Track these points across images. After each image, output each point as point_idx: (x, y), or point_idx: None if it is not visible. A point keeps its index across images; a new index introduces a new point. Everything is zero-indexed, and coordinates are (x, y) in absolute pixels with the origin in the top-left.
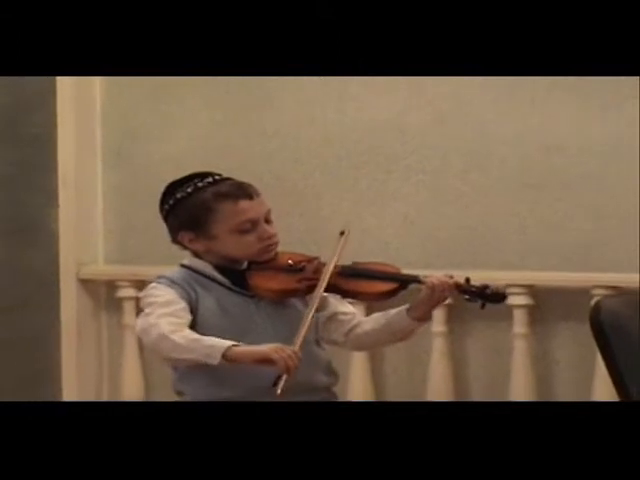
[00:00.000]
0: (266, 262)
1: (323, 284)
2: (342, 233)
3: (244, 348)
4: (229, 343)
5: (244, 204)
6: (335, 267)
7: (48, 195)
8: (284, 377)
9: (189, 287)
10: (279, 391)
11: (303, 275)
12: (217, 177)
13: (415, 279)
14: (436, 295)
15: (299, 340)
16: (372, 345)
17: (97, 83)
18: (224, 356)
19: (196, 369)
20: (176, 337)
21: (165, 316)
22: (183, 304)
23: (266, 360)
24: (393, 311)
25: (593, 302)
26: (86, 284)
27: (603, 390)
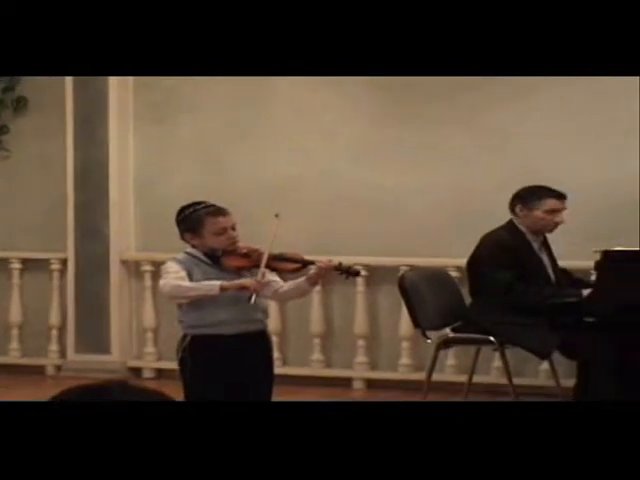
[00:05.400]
0: (231, 251)
1: (263, 265)
2: (277, 215)
3: (230, 282)
4: (218, 283)
5: (221, 219)
6: (269, 255)
7: (104, 213)
8: (254, 295)
9: (188, 264)
10: (252, 301)
11: (251, 259)
12: (206, 203)
13: (312, 262)
14: (323, 271)
15: (260, 274)
16: (288, 299)
17: (131, 148)
18: (221, 288)
19: (191, 307)
20: (185, 283)
21: (175, 278)
22: (184, 273)
23: (244, 287)
24: (299, 280)
25: (400, 274)
26: (124, 263)
27: (405, 323)
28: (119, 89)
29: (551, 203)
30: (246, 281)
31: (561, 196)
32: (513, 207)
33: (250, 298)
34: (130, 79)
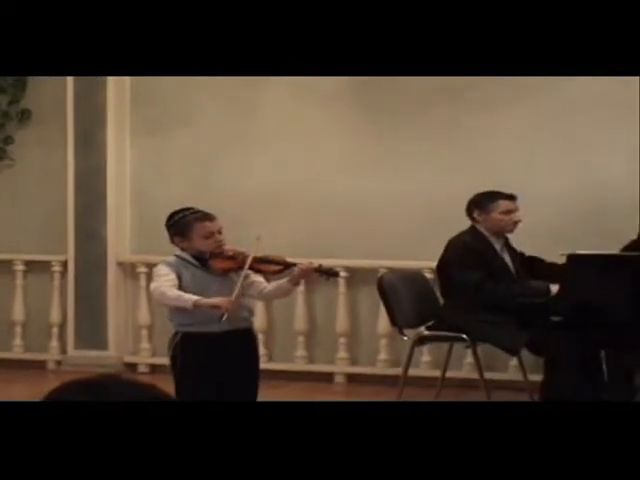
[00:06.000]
0: (218, 254)
1: (247, 267)
2: (258, 238)
3: (204, 300)
4: (196, 297)
5: (208, 223)
6: (254, 257)
7: (102, 219)
8: (225, 314)
9: (177, 266)
10: (224, 319)
11: (236, 261)
12: (194, 209)
13: (294, 264)
14: (304, 272)
15: (234, 295)
16: (272, 298)
17: (127, 158)
18: (194, 304)
19: (179, 308)
20: (170, 293)
21: (165, 281)
22: (173, 275)
23: (215, 306)
24: (281, 280)
25: (379, 275)
26: (120, 265)
27: (383, 321)
28: (117, 102)
29: (504, 204)
30: (218, 301)
31: (511, 197)
32: (470, 213)
33: (222, 317)
34: (127, 93)
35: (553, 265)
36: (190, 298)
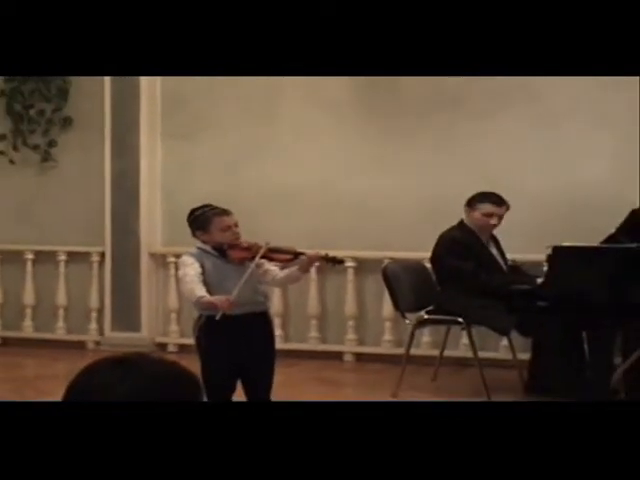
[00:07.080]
0: (235, 245)
1: (259, 256)
2: (267, 243)
3: (205, 299)
4: (200, 294)
5: (225, 218)
6: (267, 248)
7: (136, 214)
8: (220, 312)
9: (200, 257)
10: (217, 317)
11: (251, 251)
12: (213, 206)
13: (303, 253)
14: (311, 260)
15: (235, 292)
16: (284, 284)
17: (159, 160)
18: (196, 300)
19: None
20: (189, 285)
21: (190, 270)
22: (197, 264)
23: (214, 305)
24: (292, 268)
25: (383, 265)
26: (152, 255)
27: (387, 306)
28: (149, 110)
29: (488, 207)
30: (215, 300)
31: (498, 202)
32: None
33: (216, 315)
34: (158, 102)
35: (528, 275)
36: (197, 294)
